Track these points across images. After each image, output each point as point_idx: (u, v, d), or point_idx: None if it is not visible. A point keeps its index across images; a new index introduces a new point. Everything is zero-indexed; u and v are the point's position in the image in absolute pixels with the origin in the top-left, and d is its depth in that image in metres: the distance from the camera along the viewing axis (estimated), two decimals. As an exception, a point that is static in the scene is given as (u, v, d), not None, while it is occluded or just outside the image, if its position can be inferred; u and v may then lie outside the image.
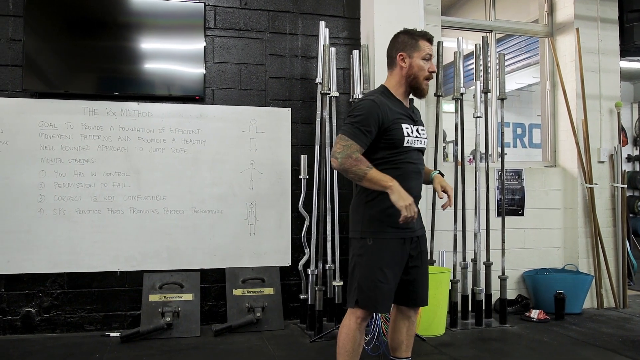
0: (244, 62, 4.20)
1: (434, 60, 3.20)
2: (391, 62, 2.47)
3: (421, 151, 2.47)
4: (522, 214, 4.78)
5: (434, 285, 3.73)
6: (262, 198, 4.16)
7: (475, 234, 4.25)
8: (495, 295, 4.32)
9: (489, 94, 4.38)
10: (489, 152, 4.41)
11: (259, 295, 4.04)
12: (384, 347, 3.24)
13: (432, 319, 3.77)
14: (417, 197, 2.40)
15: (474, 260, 4.23)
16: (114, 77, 3.93)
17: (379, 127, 2.29)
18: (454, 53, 4.27)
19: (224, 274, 4.08)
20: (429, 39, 2.45)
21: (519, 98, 8.45)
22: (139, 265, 3.92)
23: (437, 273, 3.87)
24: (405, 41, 2.43)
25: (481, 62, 4.34)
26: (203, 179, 4.06)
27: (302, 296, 4.07)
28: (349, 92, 4.27)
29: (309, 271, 3.94)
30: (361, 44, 4.24)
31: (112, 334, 3.74)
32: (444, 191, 2.45)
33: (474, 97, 4.41)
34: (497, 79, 4.42)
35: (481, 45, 4.32)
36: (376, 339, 3.30)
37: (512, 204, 4.75)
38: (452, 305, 4.03)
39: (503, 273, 4.23)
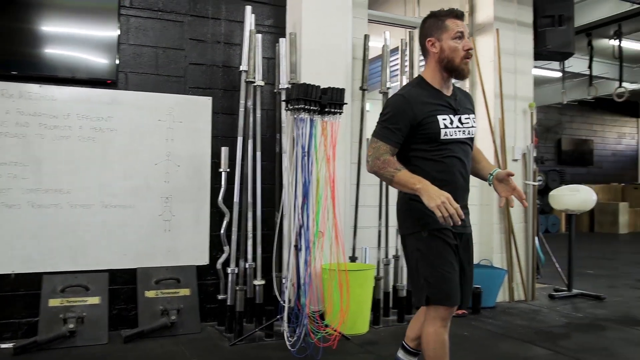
0: (161, 46, 3.89)
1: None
2: (423, 50, 2.31)
3: (466, 142, 2.29)
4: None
5: (359, 282, 3.69)
6: (179, 192, 3.88)
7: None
8: (416, 292, 4.34)
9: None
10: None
11: (174, 296, 3.77)
12: (311, 349, 3.11)
13: (357, 317, 3.70)
14: (464, 190, 2.28)
15: (396, 256, 4.23)
16: (12, 55, 3.48)
17: (411, 123, 2.15)
18: (382, 47, 4.21)
19: (135, 274, 3.76)
20: (456, 15, 2.24)
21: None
22: (37, 267, 3.51)
23: (363, 270, 3.81)
24: (432, 24, 2.26)
25: (407, 58, 4.33)
26: (114, 171, 3.71)
27: (220, 297, 3.85)
28: (273, 82, 4.08)
29: (229, 270, 3.74)
30: (287, 32, 4.07)
31: (3, 345, 3.31)
32: (512, 188, 2.27)
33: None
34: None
35: (407, 41, 4.31)
36: (302, 341, 3.16)
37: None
38: (375, 302, 3.99)
39: (425, 269, 4.24)
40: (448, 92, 2.27)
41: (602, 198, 12.42)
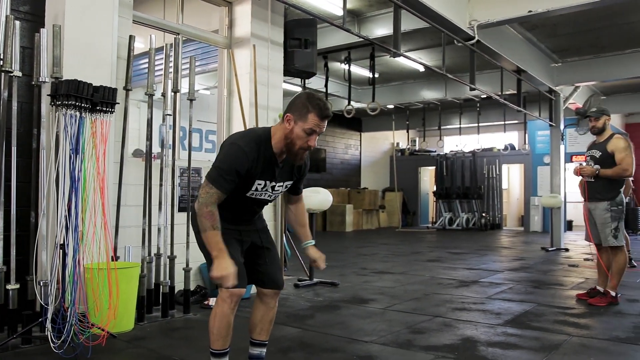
0: None
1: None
2: (284, 115, 2.45)
3: (267, 201, 2.61)
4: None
5: (124, 280, 3.74)
6: None
7: (159, 229, 4.37)
8: (178, 287, 4.52)
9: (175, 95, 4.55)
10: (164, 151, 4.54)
11: None
12: (81, 348, 3.07)
13: (122, 315, 3.72)
14: (248, 222, 2.64)
15: (157, 254, 4.34)
16: None
17: (240, 175, 2.38)
18: (149, 49, 4.29)
19: None
20: (322, 116, 2.40)
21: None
22: None
23: (127, 268, 3.85)
24: (300, 106, 2.40)
25: (171, 62, 4.49)
26: None
27: (-38, 306, 3.46)
28: (30, 74, 3.82)
29: (-25, 275, 3.39)
30: (46, 23, 3.86)
31: None
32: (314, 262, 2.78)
33: (162, 96, 4.53)
34: (188, 79, 4.62)
35: (173, 45, 4.47)
36: (71, 340, 3.09)
37: (192, 200, 5.02)
38: (140, 299, 4.05)
39: (187, 265, 4.46)
40: (280, 159, 2.51)
41: (333, 201, 14.13)
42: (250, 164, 2.39)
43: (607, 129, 5.12)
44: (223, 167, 2.38)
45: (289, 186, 2.64)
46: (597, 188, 4.97)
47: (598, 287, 5.10)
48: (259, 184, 2.48)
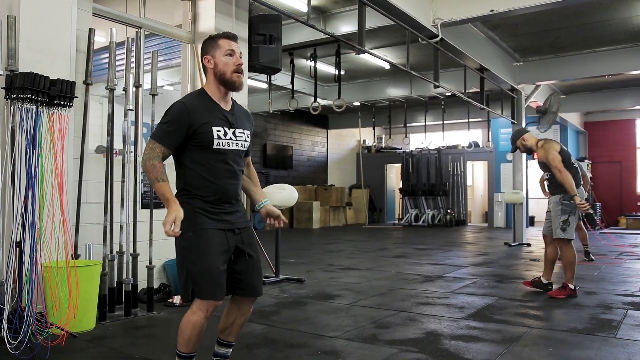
0: None
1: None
2: (204, 68, 2.51)
3: (238, 153, 2.50)
4: (164, 207, 5.00)
5: (85, 278, 3.66)
6: None
7: (121, 226, 4.30)
8: (142, 285, 4.45)
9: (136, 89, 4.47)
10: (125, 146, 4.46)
11: None
12: (39, 348, 2.98)
13: (83, 314, 3.64)
14: (233, 197, 2.50)
15: (120, 252, 4.27)
16: None
17: (187, 130, 2.35)
18: (110, 43, 4.20)
19: None
20: (228, 36, 2.52)
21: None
22: None
23: (88, 266, 3.77)
24: (207, 44, 2.53)
25: (133, 56, 4.40)
26: None
27: None
28: (-17, 67, 3.70)
29: None
30: (0, 14, 3.74)
31: None
32: (274, 218, 2.65)
33: (124, 90, 4.44)
34: (150, 74, 4.54)
35: (135, 40, 4.38)
36: (28, 341, 3.00)
37: (155, 197, 4.93)
38: (101, 298, 3.96)
39: (150, 263, 4.39)
40: (227, 107, 2.52)
41: (300, 198, 14.13)
42: (192, 111, 2.41)
43: (532, 143, 5.33)
44: (163, 122, 2.43)
45: (249, 136, 2.62)
46: (552, 182, 5.17)
47: (542, 278, 5.32)
48: (218, 131, 2.44)
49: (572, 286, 5.03)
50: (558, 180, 4.99)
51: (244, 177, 2.69)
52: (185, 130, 2.39)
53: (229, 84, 2.50)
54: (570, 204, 4.96)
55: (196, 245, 2.39)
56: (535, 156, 5.35)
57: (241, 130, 2.55)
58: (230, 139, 2.49)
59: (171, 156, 2.48)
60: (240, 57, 2.53)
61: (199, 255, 2.39)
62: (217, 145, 2.44)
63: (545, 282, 5.28)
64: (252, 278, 2.57)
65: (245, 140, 2.58)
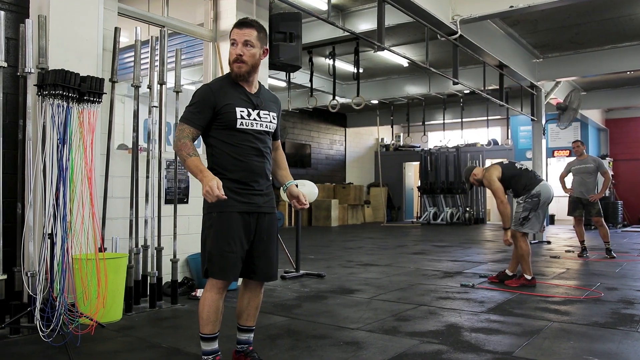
0: None
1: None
2: None
3: (263, 133, 2.59)
4: (187, 202, 5.12)
5: (113, 270, 3.75)
6: None
7: (146, 221, 4.39)
8: (166, 278, 4.54)
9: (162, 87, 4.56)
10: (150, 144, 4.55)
11: None
12: (70, 336, 3.08)
13: (111, 305, 3.74)
14: (260, 175, 2.57)
15: (145, 246, 4.37)
16: None
17: (213, 110, 2.47)
18: (135, 41, 4.30)
19: None
20: (237, 25, 2.56)
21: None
22: None
23: (116, 258, 3.86)
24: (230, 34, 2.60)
25: (157, 54, 4.50)
26: None
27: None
28: (15, 65, 3.82)
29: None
30: (31, 14, 3.86)
31: None
32: (297, 200, 2.70)
33: (148, 88, 4.54)
34: (174, 72, 4.64)
35: (159, 38, 4.48)
36: (60, 329, 3.11)
37: (178, 193, 5.03)
38: (127, 290, 4.06)
39: (175, 256, 4.48)
40: (251, 90, 2.61)
41: (318, 196, 14.21)
42: (216, 92, 2.52)
43: (479, 174, 5.73)
44: (190, 104, 2.55)
45: (275, 118, 2.69)
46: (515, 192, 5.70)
47: (507, 271, 5.66)
48: (241, 111, 2.54)
49: (528, 277, 5.38)
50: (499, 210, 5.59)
51: (271, 160, 2.77)
52: (210, 110, 2.51)
53: (232, 73, 2.58)
54: (533, 201, 5.42)
55: (218, 226, 2.51)
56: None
57: (266, 112, 2.64)
58: (255, 119, 2.58)
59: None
60: (247, 46, 2.52)
61: (219, 236, 2.50)
62: (240, 125, 2.54)
63: (510, 274, 5.59)
64: (265, 263, 2.66)
65: (271, 122, 2.66)
